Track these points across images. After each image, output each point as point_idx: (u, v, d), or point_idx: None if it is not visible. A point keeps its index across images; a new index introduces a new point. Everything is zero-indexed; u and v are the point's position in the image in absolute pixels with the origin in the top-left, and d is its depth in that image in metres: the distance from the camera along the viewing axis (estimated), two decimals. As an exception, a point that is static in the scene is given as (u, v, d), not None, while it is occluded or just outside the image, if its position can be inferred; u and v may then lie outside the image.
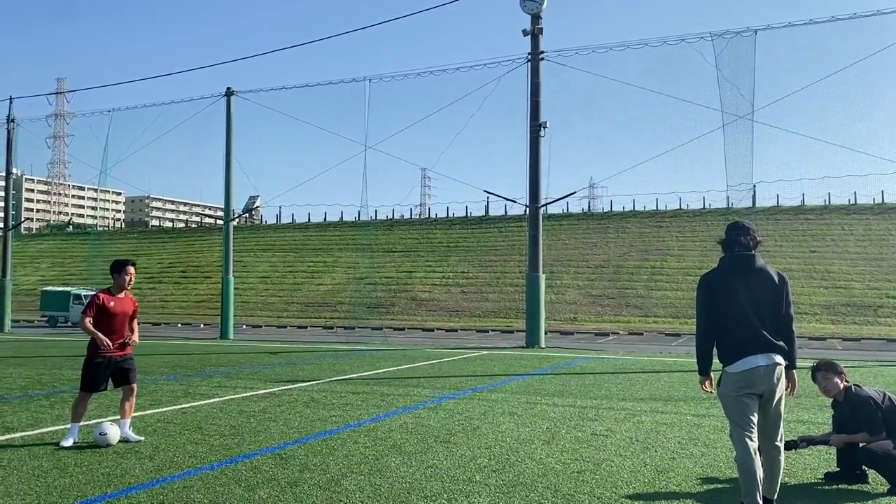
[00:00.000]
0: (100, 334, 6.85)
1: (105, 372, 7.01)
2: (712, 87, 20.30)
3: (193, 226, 78.55)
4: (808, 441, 5.81)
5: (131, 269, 7.12)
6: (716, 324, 4.63)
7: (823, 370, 5.72)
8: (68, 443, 6.74)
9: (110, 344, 6.88)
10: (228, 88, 26.57)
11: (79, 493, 5.13)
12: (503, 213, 53.47)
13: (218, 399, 9.84)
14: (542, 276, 22.16)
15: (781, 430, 4.73)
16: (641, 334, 30.69)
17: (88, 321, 6.88)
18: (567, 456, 6.39)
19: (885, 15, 18.73)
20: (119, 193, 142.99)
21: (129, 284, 7.11)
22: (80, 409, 7.01)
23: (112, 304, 6.95)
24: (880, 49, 19.21)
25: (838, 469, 5.71)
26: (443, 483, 5.44)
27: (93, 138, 29.56)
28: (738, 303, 4.57)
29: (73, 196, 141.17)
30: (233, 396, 10.10)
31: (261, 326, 36.68)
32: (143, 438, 7.00)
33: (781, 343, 4.60)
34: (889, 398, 5.60)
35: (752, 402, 4.56)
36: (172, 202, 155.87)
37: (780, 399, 4.66)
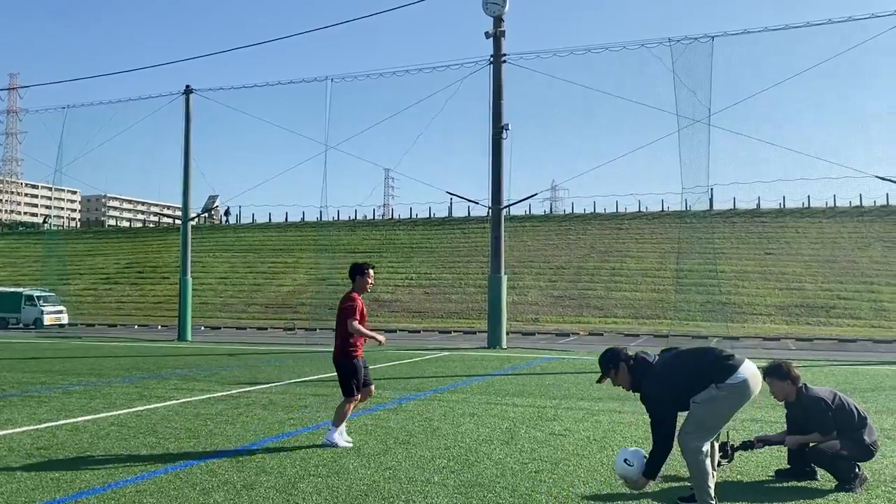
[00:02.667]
0: (372, 333, 6.96)
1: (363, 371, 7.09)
2: (670, 92, 20.65)
3: (151, 225, 77.18)
4: (764, 441, 5.93)
5: (372, 272, 7.20)
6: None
7: (769, 376, 5.85)
8: (346, 443, 6.79)
9: (383, 339, 7.06)
10: (187, 86, 26.18)
11: (26, 499, 4.99)
12: (466, 214, 53.57)
13: (174, 402, 9.68)
14: (504, 278, 22.27)
15: None
16: (601, 335, 31.01)
17: (357, 323, 6.89)
18: (525, 456, 6.43)
19: (836, 24, 19.26)
20: (74, 192, 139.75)
21: (369, 287, 7.17)
22: (347, 410, 7.03)
23: (363, 305, 7.05)
24: (831, 56, 19.77)
25: (789, 466, 5.84)
26: (401, 484, 5.43)
27: (47, 136, 29.00)
28: (691, 353, 4.78)
29: (26, 195, 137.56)
30: (189, 399, 9.94)
31: (220, 328, 36.17)
32: (350, 444, 6.83)
33: None
34: (839, 398, 5.74)
35: (737, 408, 4.64)
36: (130, 201, 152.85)
37: None
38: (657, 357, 4.86)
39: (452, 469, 5.91)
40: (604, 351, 4.97)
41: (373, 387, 7.35)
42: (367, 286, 7.15)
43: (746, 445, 5.88)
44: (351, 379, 7.01)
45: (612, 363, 4.84)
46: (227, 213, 59.56)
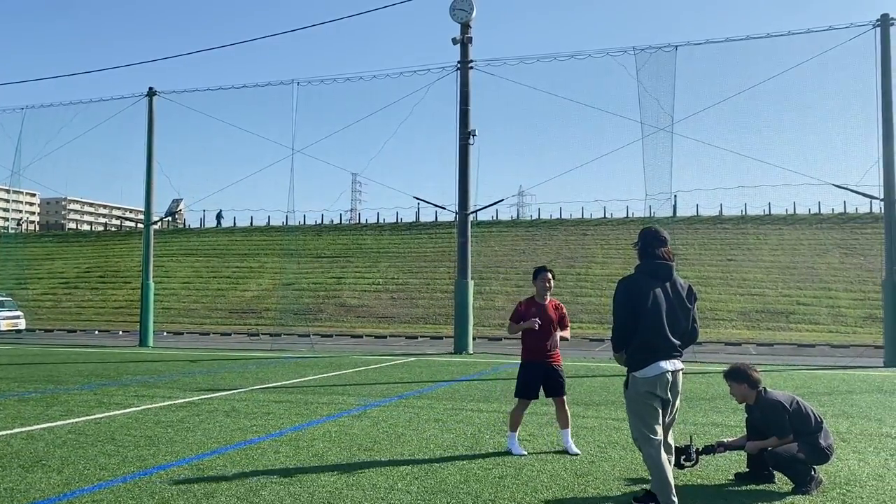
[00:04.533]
0: (523, 324, 6.95)
1: (535, 377, 7.03)
2: (634, 100, 20.90)
3: (113, 229, 75.80)
4: (725, 447, 6.04)
5: (547, 276, 7.09)
6: (630, 325, 4.79)
7: (730, 379, 5.98)
8: (521, 451, 6.81)
9: (536, 322, 6.90)
10: (150, 88, 25.78)
11: (-22, 511, 4.87)
12: (434, 219, 53.54)
13: (134, 409, 9.52)
14: (471, 283, 22.30)
15: (672, 427, 5.04)
16: (567, 339, 31.20)
17: (511, 325, 7.14)
18: (489, 461, 6.44)
19: (795, 35, 19.68)
20: (33, 195, 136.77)
21: (546, 291, 7.06)
22: (516, 416, 7.05)
23: (533, 310, 7.01)
24: (790, 67, 20.16)
25: (748, 470, 5.94)
26: (364, 491, 5.40)
27: (4, 137, 28.10)
28: (653, 309, 4.75)
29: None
30: (150, 406, 9.78)
31: (182, 334, 35.61)
32: (579, 452, 6.80)
33: (682, 351, 4.86)
34: (797, 402, 5.87)
35: (657, 404, 4.74)
36: (91, 204, 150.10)
37: (678, 402, 4.89)
38: (670, 273, 4.91)
39: (416, 475, 5.90)
40: (656, 230, 5.07)
41: (563, 399, 7.14)
42: (543, 290, 7.09)
43: (708, 450, 5.99)
44: (518, 381, 7.12)
45: (653, 242, 5.02)
46: (219, 216, 58.56)
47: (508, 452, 6.82)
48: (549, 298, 7.15)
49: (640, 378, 4.74)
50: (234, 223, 58.58)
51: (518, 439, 7.04)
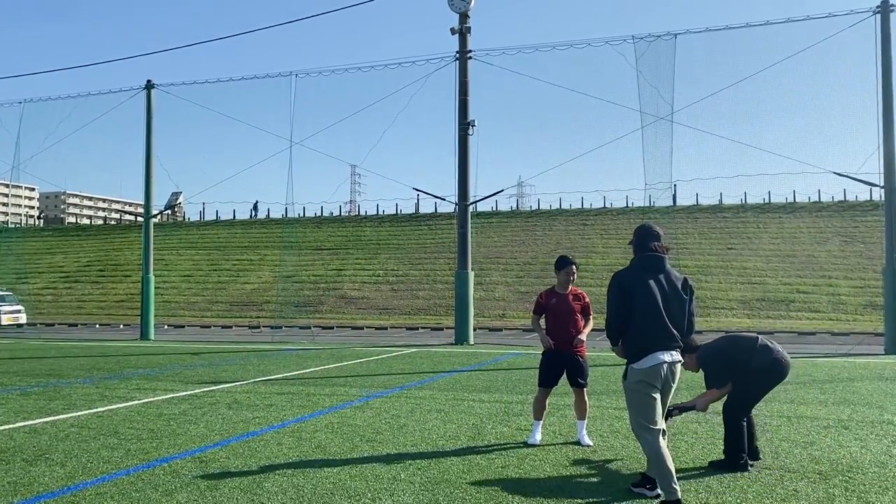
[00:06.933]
0: (542, 333, 7.10)
1: (554, 367, 7.07)
2: (633, 89, 20.83)
3: (112, 223, 75.78)
4: (679, 409, 6.11)
5: (572, 269, 7.02)
6: (624, 319, 4.86)
7: None
8: (535, 440, 6.84)
9: (550, 342, 7.01)
10: (148, 81, 25.71)
11: (-18, 504, 4.88)
12: (433, 210, 53.53)
13: (136, 402, 9.53)
14: (471, 274, 22.31)
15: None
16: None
17: (534, 318, 7.31)
18: (492, 451, 6.46)
19: (794, 22, 19.60)
20: (33, 189, 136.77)
21: (569, 283, 7.04)
22: (537, 405, 7.10)
23: (553, 300, 7.04)
24: (790, 55, 20.10)
25: (724, 458, 5.94)
26: (367, 482, 5.41)
27: (3, 131, 28.00)
28: (648, 301, 4.80)
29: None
30: (152, 399, 9.79)
31: (183, 327, 35.65)
32: (591, 444, 6.78)
33: (680, 342, 4.90)
34: (725, 336, 6.16)
35: (655, 394, 4.79)
36: (90, 198, 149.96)
37: (672, 391, 4.95)
38: (663, 265, 4.95)
39: (419, 466, 5.91)
40: (649, 227, 5.12)
41: (583, 390, 7.05)
42: (566, 282, 7.01)
43: (666, 414, 6.04)
44: (539, 369, 7.19)
45: (646, 237, 5.09)
46: (255, 207, 58.51)
47: (524, 443, 6.87)
48: (570, 287, 7.11)
49: (637, 369, 4.79)
50: (234, 216, 58.58)
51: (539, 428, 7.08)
